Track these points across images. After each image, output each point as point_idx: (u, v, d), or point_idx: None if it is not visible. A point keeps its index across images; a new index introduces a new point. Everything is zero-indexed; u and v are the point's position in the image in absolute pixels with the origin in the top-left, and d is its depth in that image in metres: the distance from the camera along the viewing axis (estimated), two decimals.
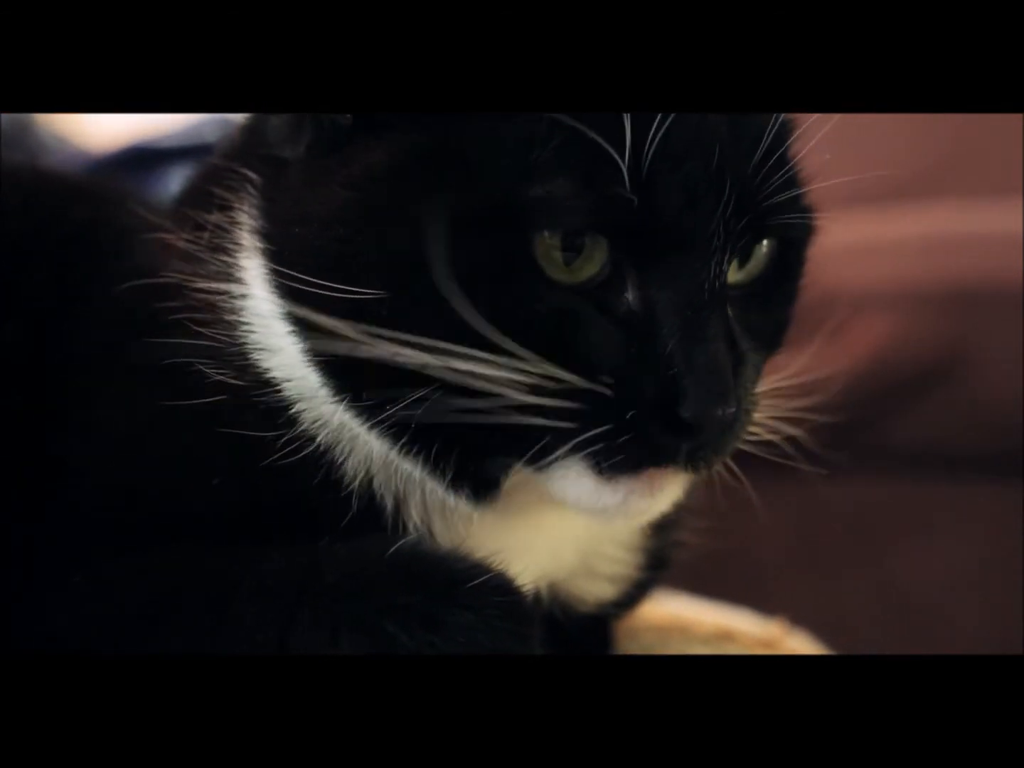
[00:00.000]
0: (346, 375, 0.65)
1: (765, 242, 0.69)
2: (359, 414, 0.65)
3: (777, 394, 0.74)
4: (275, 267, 0.66)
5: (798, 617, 0.95)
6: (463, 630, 0.61)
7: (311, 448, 0.67)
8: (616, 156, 0.61)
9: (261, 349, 0.68)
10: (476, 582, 0.62)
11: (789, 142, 0.70)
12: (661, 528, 0.79)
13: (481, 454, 0.66)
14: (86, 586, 0.66)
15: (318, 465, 0.67)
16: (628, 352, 0.63)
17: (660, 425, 0.62)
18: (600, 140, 0.60)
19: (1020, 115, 1.27)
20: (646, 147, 0.61)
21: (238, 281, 0.69)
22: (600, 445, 0.62)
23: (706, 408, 0.62)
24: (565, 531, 0.75)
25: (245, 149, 0.72)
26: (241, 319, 0.69)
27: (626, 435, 0.62)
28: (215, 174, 0.72)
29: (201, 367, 0.67)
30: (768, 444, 0.73)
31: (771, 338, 0.72)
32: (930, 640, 1.30)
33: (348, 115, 0.66)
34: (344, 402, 0.66)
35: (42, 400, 0.72)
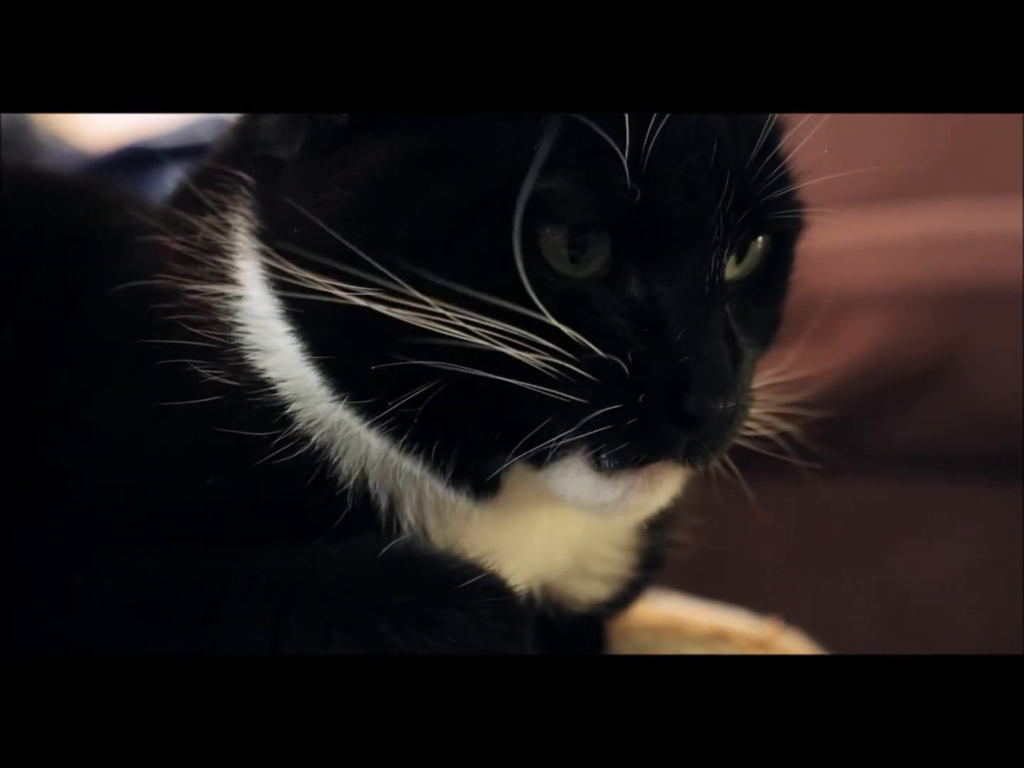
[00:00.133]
0: (347, 373, 0.65)
1: (760, 239, 0.70)
2: (359, 412, 0.66)
3: (771, 390, 0.75)
4: (274, 268, 0.66)
5: (796, 617, 0.95)
6: (455, 630, 0.62)
7: (306, 448, 0.67)
8: (617, 151, 0.61)
9: (256, 349, 0.68)
10: (469, 583, 0.63)
11: (783, 139, 0.70)
12: (655, 528, 0.79)
13: (482, 451, 0.66)
14: (81, 586, 0.66)
15: (312, 465, 0.68)
16: (639, 339, 0.63)
17: (665, 414, 0.62)
18: (602, 133, 0.61)
19: (1019, 115, 1.27)
20: (645, 142, 0.62)
21: (233, 282, 0.69)
22: (607, 427, 0.62)
23: (709, 401, 0.62)
24: (558, 531, 0.75)
25: (238, 151, 0.72)
26: (236, 320, 0.69)
27: (633, 418, 0.62)
28: (208, 176, 0.72)
29: (196, 368, 0.67)
30: (763, 440, 0.74)
31: (765, 334, 0.73)
32: (928, 640, 1.30)
33: (344, 115, 0.66)
34: (344, 401, 0.66)
35: (37, 401, 0.72)
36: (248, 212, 0.69)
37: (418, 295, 0.61)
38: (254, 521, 0.67)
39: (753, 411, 0.70)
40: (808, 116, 0.70)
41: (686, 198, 0.64)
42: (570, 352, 0.62)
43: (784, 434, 0.76)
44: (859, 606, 1.36)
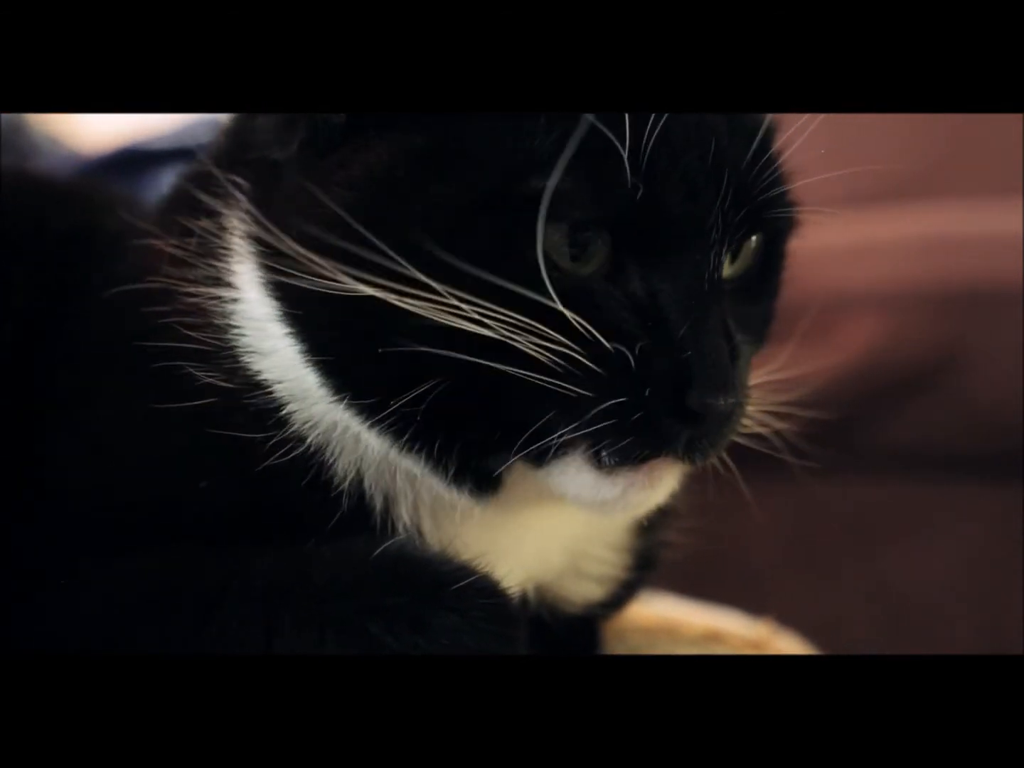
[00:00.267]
0: (348, 373, 0.66)
1: (754, 238, 0.70)
2: (359, 412, 0.66)
3: (767, 388, 0.75)
4: (272, 270, 0.66)
5: (792, 618, 0.95)
6: (448, 632, 0.62)
7: (301, 449, 0.68)
8: (619, 149, 0.62)
9: (252, 352, 0.68)
10: (461, 584, 0.63)
11: (777, 139, 0.71)
12: (648, 528, 0.80)
13: (484, 449, 0.66)
14: (75, 587, 0.67)
15: (307, 466, 0.68)
16: (643, 333, 0.64)
17: (667, 409, 0.63)
18: (607, 131, 0.61)
19: (1017, 115, 1.27)
20: (645, 141, 0.62)
21: (229, 285, 0.69)
22: (611, 421, 0.63)
23: (711, 396, 0.63)
24: (553, 531, 0.76)
25: (231, 155, 0.72)
26: (232, 323, 0.69)
27: (638, 412, 0.63)
28: (202, 180, 0.72)
29: (191, 370, 0.67)
30: (758, 437, 0.74)
31: (759, 332, 0.73)
32: (925, 641, 1.30)
33: (342, 114, 0.66)
34: (345, 401, 0.66)
35: (32, 404, 0.72)
36: (244, 215, 0.69)
37: (423, 288, 0.61)
38: (250, 523, 0.67)
39: (749, 408, 0.71)
40: (804, 116, 0.71)
41: (686, 196, 0.64)
42: (576, 344, 0.62)
43: (780, 433, 0.77)
44: (855, 607, 1.36)
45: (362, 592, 0.63)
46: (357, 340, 0.65)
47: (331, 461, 0.68)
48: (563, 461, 0.65)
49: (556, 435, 0.64)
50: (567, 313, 0.62)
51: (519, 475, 0.68)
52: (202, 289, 0.69)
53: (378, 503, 0.69)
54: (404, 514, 0.69)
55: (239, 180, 0.70)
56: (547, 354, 0.62)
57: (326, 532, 0.67)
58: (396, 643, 0.61)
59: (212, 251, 0.70)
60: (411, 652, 0.61)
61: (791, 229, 0.73)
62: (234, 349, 0.69)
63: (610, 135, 0.61)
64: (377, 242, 0.61)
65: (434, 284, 0.61)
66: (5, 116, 1.47)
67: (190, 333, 0.68)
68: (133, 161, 1.45)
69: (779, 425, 0.76)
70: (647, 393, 0.63)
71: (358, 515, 0.68)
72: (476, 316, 0.61)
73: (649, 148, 0.62)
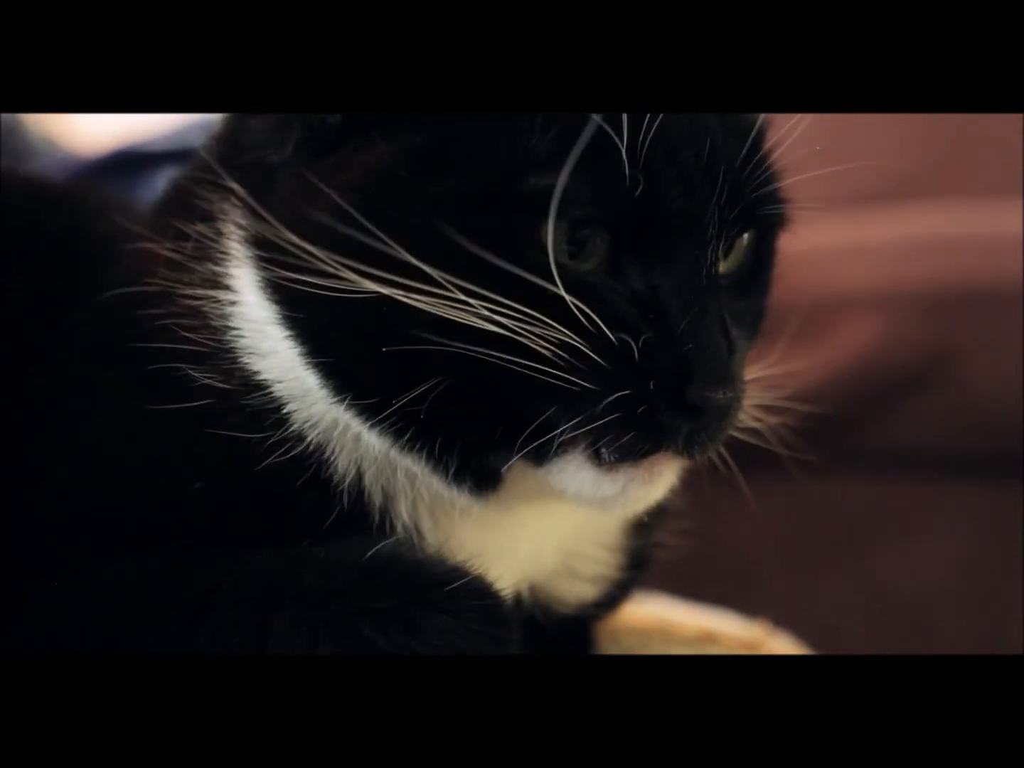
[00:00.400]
0: (349, 374, 0.66)
1: (746, 235, 0.71)
2: (360, 412, 0.66)
3: (761, 384, 0.75)
4: (272, 273, 0.67)
5: (786, 618, 0.95)
6: (440, 634, 0.62)
7: (299, 448, 0.68)
8: (619, 146, 0.62)
9: (251, 353, 0.69)
10: (454, 586, 0.63)
11: (769, 136, 0.72)
12: (642, 528, 0.80)
13: (486, 447, 0.66)
14: (71, 587, 0.67)
15: (306, 466, 0.68)
16: (645, 326, 0.64)
17: (668, 403, 0.63)
18: (608, 129, 0.62)
19: (1012, 116, 1.27)
20: (642, 139, 0.63)
21: (226, 288, 0.69)
22: (615, 416, 0.63)
23: (711, 390, 0.63)
24: (547, 531, 0.76)
25: (225, 159, 0.72)
26: (230, 325, 0.69)
27: (641, 406, 0.63)
28: (196, 184, 0.72)
29: (189, 372, 0.67)
30: (752, 432, 0.74)
31: (752, 327, 0.74)
32: (920, 641, 1.31)
33: (337, 114, 0.66)
34: (346, 401, 0.66)
35: (27, 406, 0.72)
36: (240, 219, 0.69)
37: (427, 283, 0.61)
38: (248, 523, 0.68)
39: (745, 403, 0.71)
40: (798, 115, 0.71)
41: (683, 193, 0.65)
42: (579, 337, 0.63)
43: (775, 429, 0.77)
44: (850, 607, 1.36)
45: (355, 594, 0.63)
46: (358, 341, 0.65)
47: (330, 460, 0.68)
48: (563, 459, 0.66)
49: (559, 431, 0.64)
50: (570, 300, 0.62)
51: (518, 473, 0.68)
52: (199, 291, 0.69)
53: (377, 502, 0.69)
54: (403, 512, 0.70)
55: (233, 184, 0.70)
56: (551, 347, 0.62)
57: (324, 531, 0.67)
58: (388, 644, 0.62)
59: (209, 254, 0.70)
60: (403, 653, 0.62)
61: (782, 225, 0.74)
62: (232, 351, 0.69)
63: (612, 133, 0.62)
64: (383, 236, 0.61)
65: (438, 276, 0.61)
66: (2, 117, 1.47)
67: (187, 335, 0.68)
68: (129, 163, 1.45)
69: (774, 419, 0.76)
70: (650, 386, 0.63)
71: (356, 514, 0.69)
72: (480, 311, 0.61)
73: (646, 146, 0.63)
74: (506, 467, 0.67)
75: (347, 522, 0.68)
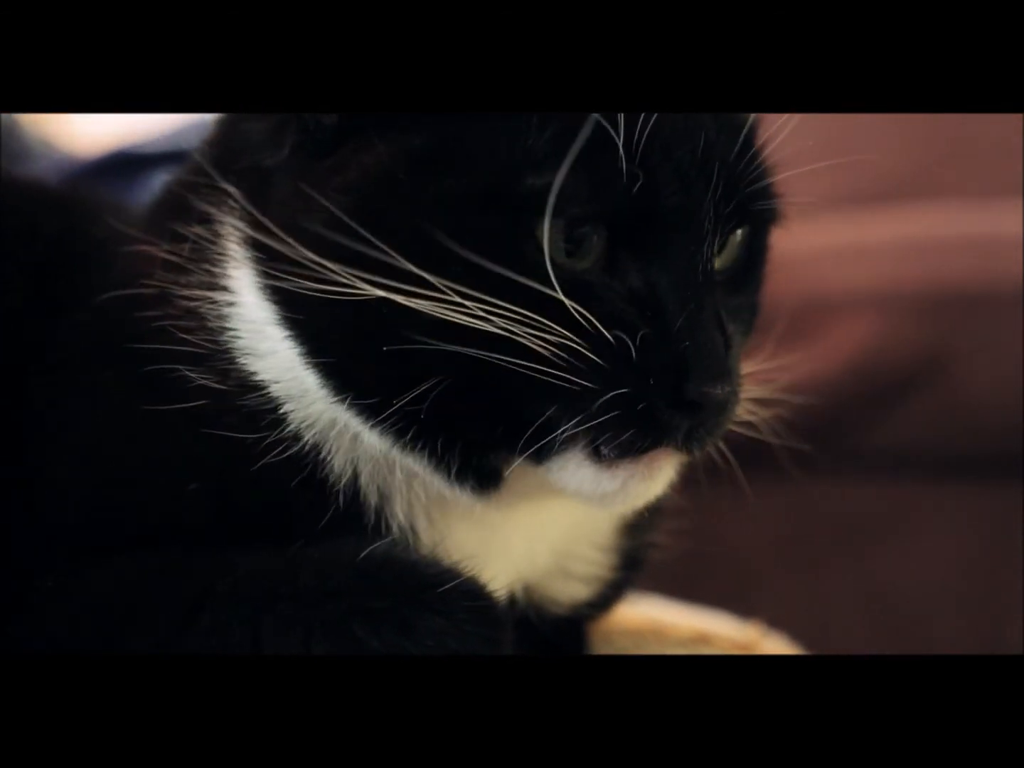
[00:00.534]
0: (350, 374, 0.66)
1: (739, 230, 0.71)
2: (361, 412, 0.66)
3: (754, 379, 0.76)
4: (271, 275, 0.67)
5: (782, 619, 0.95)
6: (433, 634, 0.62)
7: (295, 448, 0.68)
8: (618, 143, 0.62)
9: (247, 354, 0.69)
10: (447, 587, 0.63)
11: (761, 132, 0.72)
12: (635, 528, 0.81)
13: (487, 446, 0.67)
14: (65, 588, 0.67)
15: (302, 466, 0.68)
16: (643, 324, 0.64)
17: (667, 400, 0.64)
18: (608, 127, 0.62)
19: (1010, 117, 1.27)
20: (638, 136, 0.63)
21: (224, 290, 0.70)
22: (614, 414, 0.63)
23: (709, 386, 0.64)
24: (542, 530, 0.76)
25: (220, 163, 0.72)
26: (227, 326, 0.69)
27: (640, 403, 0.63)
28: (192, 187, 0.72)
29: (185, 373, 0.68)
30: (747, 425, 0.75)
31: (746, 323, 0.74)
32: (915, 642, 1.31)
33: (333, 115, 0.67)
34: (347, 401, 0.66)
35: (24, 407, 0.72)
36: (238, 222, 0.70)
37: (425, 286, 0.62)
38: (245, 523, 0.68)
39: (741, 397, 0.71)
40: (788, 118, 0.71)
41: (680, 189, 0.65)
42: (578, 336, 0.63)
43: (769, 424, 0.77)
44: (845, 608, 1.36)
45: (348, 594, 0.63)
46: (359, 341, 0.65)
47: (327, 460, 0.68)
48: (563, 456, 0.66)
49: (559, 431, 0.64)
50: (567, 303, 0.63)
51: (517, 471, 0.68)
52: (196, 293, 0.70)
53: (373, 502, 0.69)
54: (399, 512, 0.70)
55: (230, 188, 0.70)
56: (549, 347, 0.62)
57: (320, 531, 0.67)
58: (382, 645, 0.62)
59: (207, 256, 0.70)
60: (397, 654, 0.62)
61: (775, 221, 0.74)
62: (229, 351, 0.69)
63: (610, 130, 0.62)
64: (378, 243, 0.62)
65: (435, 281, 0.61)
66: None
67: (184, 336, 0.68)
68: (126, 164, 1.45)
69: (768, 413, 0.77)
70: (649, 383, 0.63)
71: (352, 514, 0.69)
72: (478, 312, 0.61)
73: (643, 143, 0.63)
74: (509, 468, 0.67)
75: (343, 522, 0.68)
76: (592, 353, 0.63)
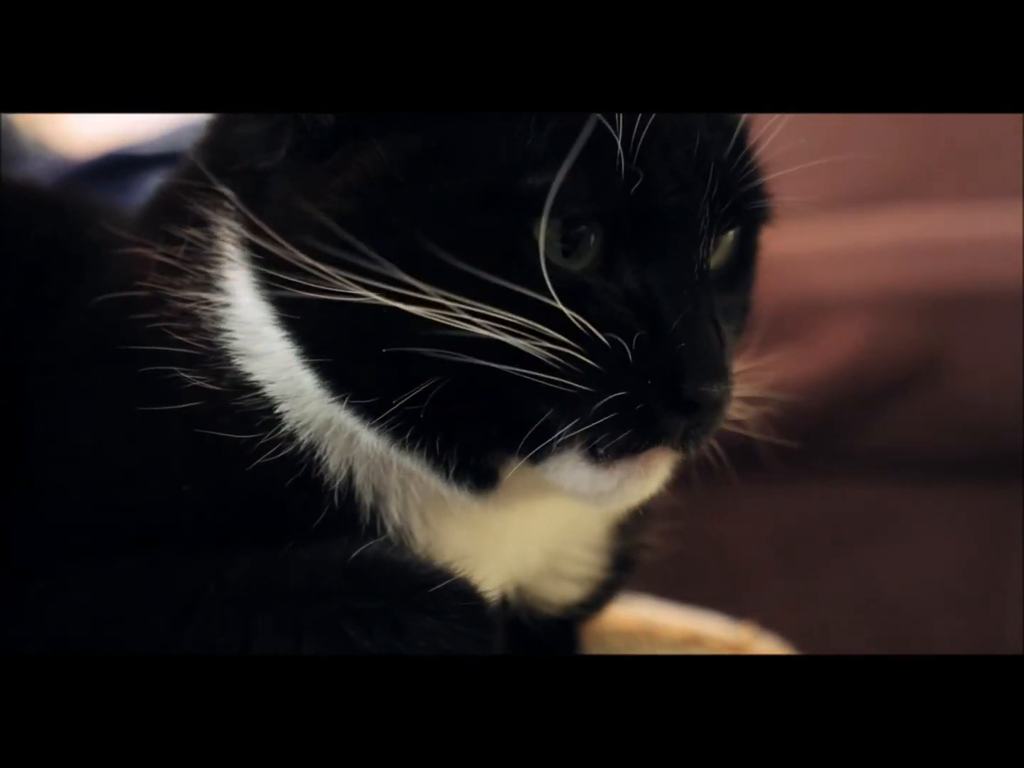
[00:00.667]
0: (348, 374, 0.66)
1: (733, 230, 0.72)
2: (359, 412, 0.66)
3: (745, 377, 0.76)
4: (268, 276, 0.67)
5: (775, 621, 0.96)
6: (425, 635, 0.62)
7: (290, 448, 0.68)
8: (613, 143, 0.63)
9: (243, 355, 0.69)
10: (438, 587, 0.63)
11: (753, 132, 0.72)
12: (627, 529, 0.81)
13: (485, 446, 0.67)
14: (59, 589, 0.67)
15: (297, 466, 0.68)
16: (639, 326, 0.65)
17: (665, 400, 0.64)
18: (608, 126, 0.62)
19: (1006, 117, 1.28)
20: (635, 136, 0.63)
21: (220, 291, 0.70)
22: (612, 416, 0.63)
23: (705, 385, 0.64)
24: (534, 530, 0.76)
25: (214, 166, 0.72)
26: (222, 327, 0.69)
27: (639, 405, 0.64)
28: (186, 190, 0.72)
29: (180, 374, 0.68)
30: (735, 422, 0.75)
31: (739, 321, 0.75)
32: (907, 643, 1.31)
33: (330, 116, 0.67)
34: (345, 401, 0.66)
35: (15, 409, 0.72)
36: (234, 224, 0.70)
37: (422, 292, 0.62)
38: (240, 524, 0.68)
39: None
40: (780, 117, 0.72)
41: (677, 189, 0.66)
42: (574, 341, 0.63)
43: (759, 421, 0.78)
44: (838, 610, 1.36)
45: (340, 595, 0.63)
46: (357, 342, 0.65)
47: (322, 460, 0.69)
48: (559, 456, 0.66)
49: (557, 435, 0.65)
50: (566, 311, 0.63)
51: (513, 470, 0.68)
52: (191, 295, 0.70)
53: (367, 502, 0.69)
54: (394, 513, 0.70)
55: (225, 190, 0.70)
56: (546, 353, 0.62)
57: (315, 531, 0.67)
58: (373, 646, 0.62)
59: (202, 258, 0.70)
60: (388, 654, 0.62)
61: (767, 221, 0.75)
62: (224, 353, 0.69)
63: (610, 128, 0.62)
64: (373, 253, 0.62)
65: (432, 291, 0.61)
66: None
67: (179, 338, 0.68)
68: (120, 166, 1.45)
69: (758, 411, 0.77)
70: (646, 385, 0.64)
71: (347, 514, 0.69)
72: (475, 320, 0.62)
73: (641, 142, 0.63)
74: (508, 470, 0.68)
75: (337, 522, 0.68)
76: (589, 357, 0.63)
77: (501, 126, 0.64)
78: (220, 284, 0.70)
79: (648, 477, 0.68)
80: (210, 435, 0.67)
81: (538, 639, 0.78)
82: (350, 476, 0.69)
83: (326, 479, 0.69)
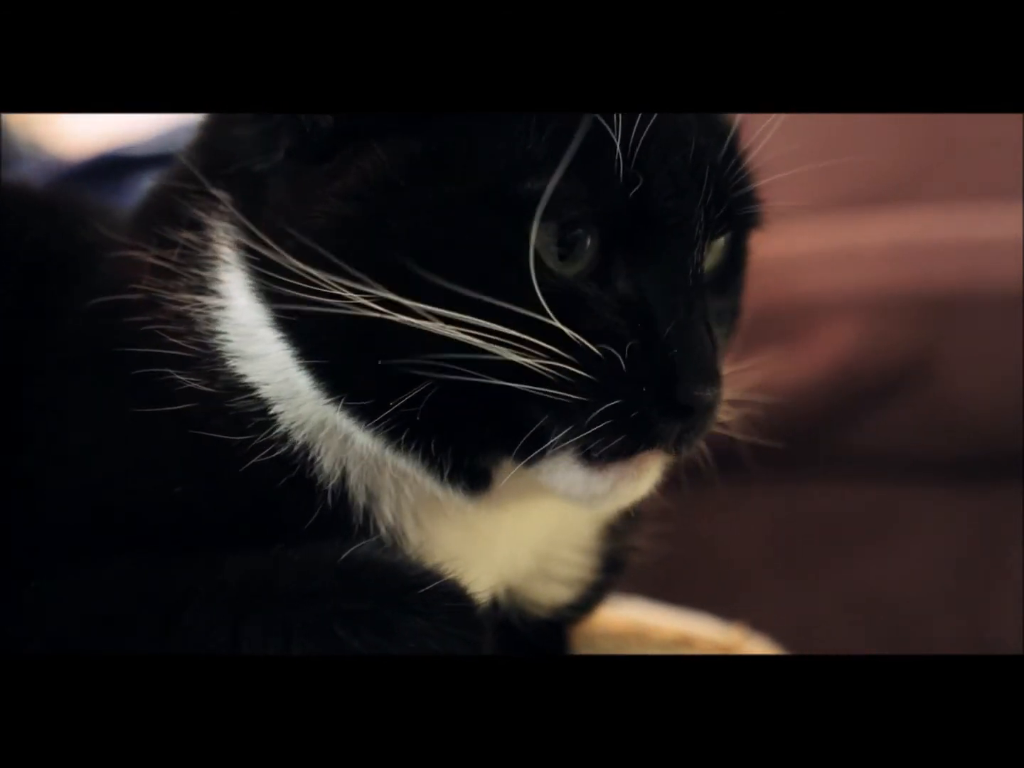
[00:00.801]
0: (344, 376, 0.66)
1: (725, 235, 0.72)
2: (354, 413, 0.66)
3: (733, 379, 0.76)
4: (265, 277, 0.67)
5: (766, 622, 0.96)
6: (414, 636, 0.62)
7: (284, 449, 0.68)
8: (611, 146, 0.63)
9: (237, 356, 0.69)
10: (428, 588, 0.63)
11: (743, 137, 0.73)
12: (616, 531, 0.81)
13: (479, 448, 0.67)
14: (44, 593, 0.67)
15: (290, 467, 0.68)
16: (632, 334, 0.65)
17: (660, 406, 0.64)
18: (607, 128, 0.63)
19: (996, 119, 1.28)
20: (633, 139, 0.63)
21: (214, 294, 0.70)
22: (606, 423, 0.64)
23: (699, 389, 0.64)
24: (525, 532, 0.76)
25: (208, 169, 0.72)
26: (216, 329, 0.69)
27: (633, 412, 0.64)
28: (179, 192, 0.72)
29: (174, 376, 0.68)
30: (720, 424, 0.75)
31: (729, 324, 0.75)
32: (899, 644, 1.31)
33: (329, 118, 0.67)
34: (340, 403, 0.66)
35: (10, 411, 0.72)
36: (230, 226, 0.70)
37: (420, 304, 0.62)
38: (234, 525, 0.68)
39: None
40: (777, 118, 0.72)
41: (675, 193, 0.66)
42: (569, 352, 0.63)
43: (744, 423, 0.78)
44: (830, 611, 1.36)
45: (329, 595, 0.63)
46: (353, 345, 0.65)
47: (316, 461, 0.69)
48: (553, 459, 0.66)
49: (551, 441, 0.65)
50: (560, 326, 0.63)
51: (506, 472, 0.68)
52: (185, 297, 0.70)
53: (361, 502, 0.70)
54: (387, 513, 0.70)
55: (220, 193, 0.70)
56: (541, 366, 0.63)
57: (308, 532, 0.67)
58: (362, 646, 0.62)
59: (196, 261, 0.70)
60: (377, 655, 0.62)
61: (757, 225, 0.75)
62: (218, 354, 0.69)
63: (609, 131, 0.63)
64: (354, 272, 0.62)
65: (422, 308, 0.62)
66: None
67: (173, 341, 0.68)
68: (114, 167, 1.45)
69: (747, 412, 0.77)
70: (641, 393, 0.64)
71: (340, 514, 0.69)
72: (471, 333, 0.62)
73: (639, 147, 0.64)
74: (501, 472, 0.68)
75: (330, 523, 0.68)
76: (583, 369, 0.64)
77: (502, 129, 0.64)
78: (215, 287, 0.70)
79: (641, 479, 0.68)
80: (204, 436, 0.67)
81: (528, 641, 0.79)
82: (343, 477, 0.69)
83: (319, 480, 0.69)
